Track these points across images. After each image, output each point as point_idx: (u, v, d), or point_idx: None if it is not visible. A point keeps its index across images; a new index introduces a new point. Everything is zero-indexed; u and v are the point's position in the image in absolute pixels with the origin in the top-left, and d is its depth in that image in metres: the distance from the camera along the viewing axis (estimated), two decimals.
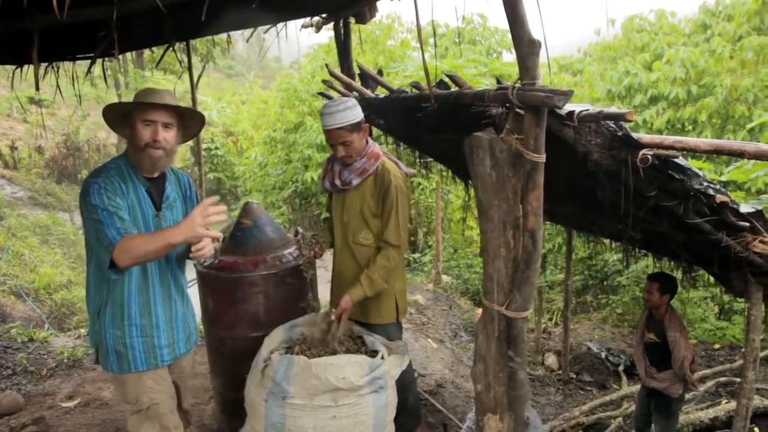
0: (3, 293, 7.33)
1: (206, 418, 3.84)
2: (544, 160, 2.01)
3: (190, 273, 3.11)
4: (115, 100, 15.53)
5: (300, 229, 3.64)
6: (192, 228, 2.13)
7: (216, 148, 17.64)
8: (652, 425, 4.17)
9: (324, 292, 3.52)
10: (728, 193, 2.41)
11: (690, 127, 9.08)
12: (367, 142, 2.97)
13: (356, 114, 2.84)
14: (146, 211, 2.45)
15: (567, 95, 1.84)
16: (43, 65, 4.45)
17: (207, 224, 2.14)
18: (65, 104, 16.73)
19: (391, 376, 2.62)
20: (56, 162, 16.35)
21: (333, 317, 2.87)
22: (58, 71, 4.54)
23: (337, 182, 3.01)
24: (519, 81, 1.98)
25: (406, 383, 2.91)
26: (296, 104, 12.18)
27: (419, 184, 11.01)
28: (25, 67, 4.06)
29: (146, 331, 2.45)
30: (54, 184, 15.20)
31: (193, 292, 3.70)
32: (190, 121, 2.56)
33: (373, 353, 2.79)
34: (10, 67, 4.34)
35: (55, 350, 5.20)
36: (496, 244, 2.20)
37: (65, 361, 5.00)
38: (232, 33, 7.29)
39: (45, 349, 5.25)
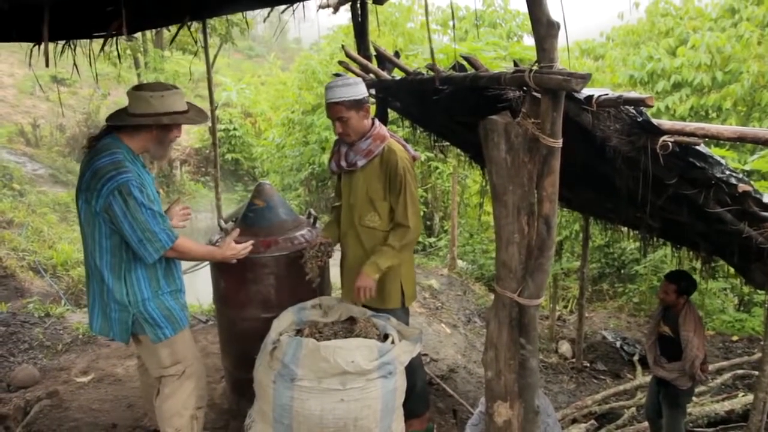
0: (22, 269, 7.44)
1: (217, 397, 3.86)
2: (561, 146, 1.96)
3: None
4: (135, 79, 15.58)
5: (312, 211, 3.62)
6: (234, 255, 2.81)
7: (234, 129, 17.67)
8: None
9: (335, 277, 3.51)
10: (751, 182, 2.34)
11: (714, 115, 8.86)
12: (373, 123, 2.96)
13: (357, 91, 2.83)
14: (154, 189, 2.61)
15: (585, 79, 1.79)
16: (60, 43, 4.44)
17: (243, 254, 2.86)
18: (87, 83, 16.82)
19: (401, 361, 2.60)
20: (77, 140, 16.47)
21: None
22: (74, 49, 4.53)
23: (343, 163, 3.01)
24: (536, 64, 1.93)
25: (413, 368, 2.89)
26: (314, 86, 12.14)
27: (436, 168, 10.92)
28: (43, 44, 4.06)
29: (175, 295, 2.74)
30: (74, 162, 15.31)
31: (206, 273, 3.72)
32: None
33: (384, 337, 2.78)
34: (28, 45, 4.35)
35: (71, 326, 5.26)
36: (510, 230, 2.16)
37: (80, 336, 5.05)
38: (250, 13, 7.25)
39: (61, 324, 5.31)
